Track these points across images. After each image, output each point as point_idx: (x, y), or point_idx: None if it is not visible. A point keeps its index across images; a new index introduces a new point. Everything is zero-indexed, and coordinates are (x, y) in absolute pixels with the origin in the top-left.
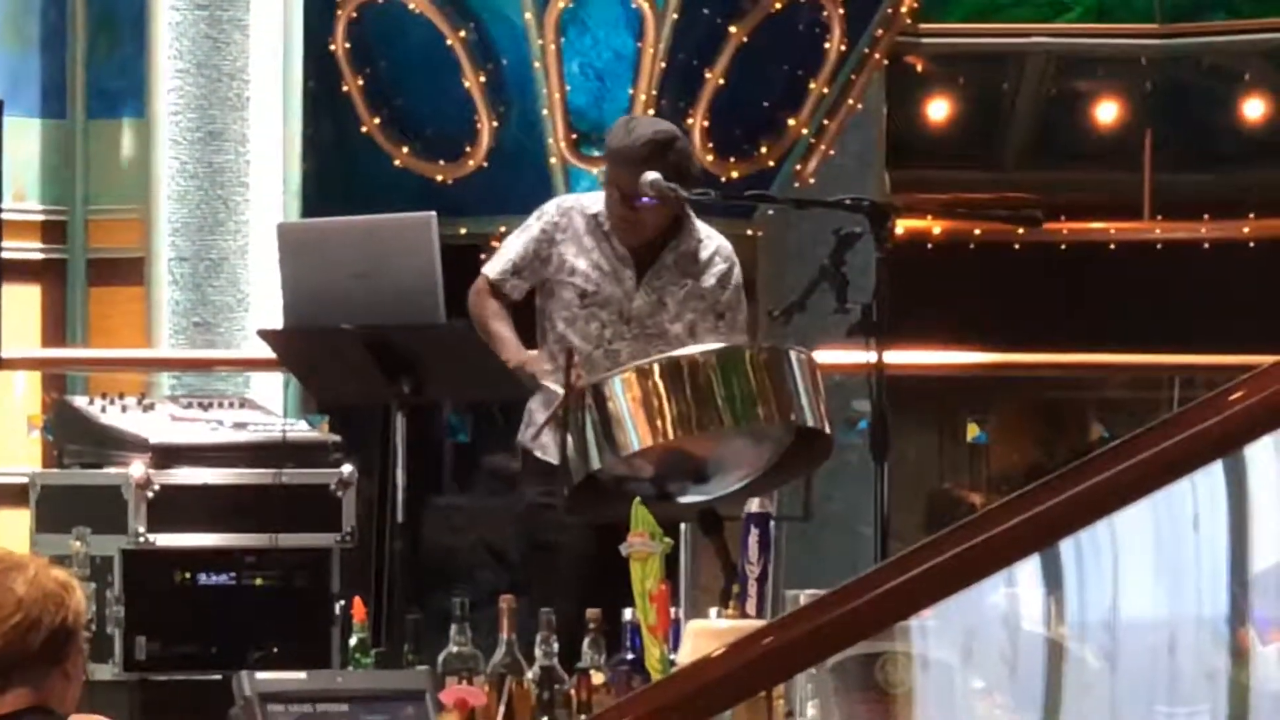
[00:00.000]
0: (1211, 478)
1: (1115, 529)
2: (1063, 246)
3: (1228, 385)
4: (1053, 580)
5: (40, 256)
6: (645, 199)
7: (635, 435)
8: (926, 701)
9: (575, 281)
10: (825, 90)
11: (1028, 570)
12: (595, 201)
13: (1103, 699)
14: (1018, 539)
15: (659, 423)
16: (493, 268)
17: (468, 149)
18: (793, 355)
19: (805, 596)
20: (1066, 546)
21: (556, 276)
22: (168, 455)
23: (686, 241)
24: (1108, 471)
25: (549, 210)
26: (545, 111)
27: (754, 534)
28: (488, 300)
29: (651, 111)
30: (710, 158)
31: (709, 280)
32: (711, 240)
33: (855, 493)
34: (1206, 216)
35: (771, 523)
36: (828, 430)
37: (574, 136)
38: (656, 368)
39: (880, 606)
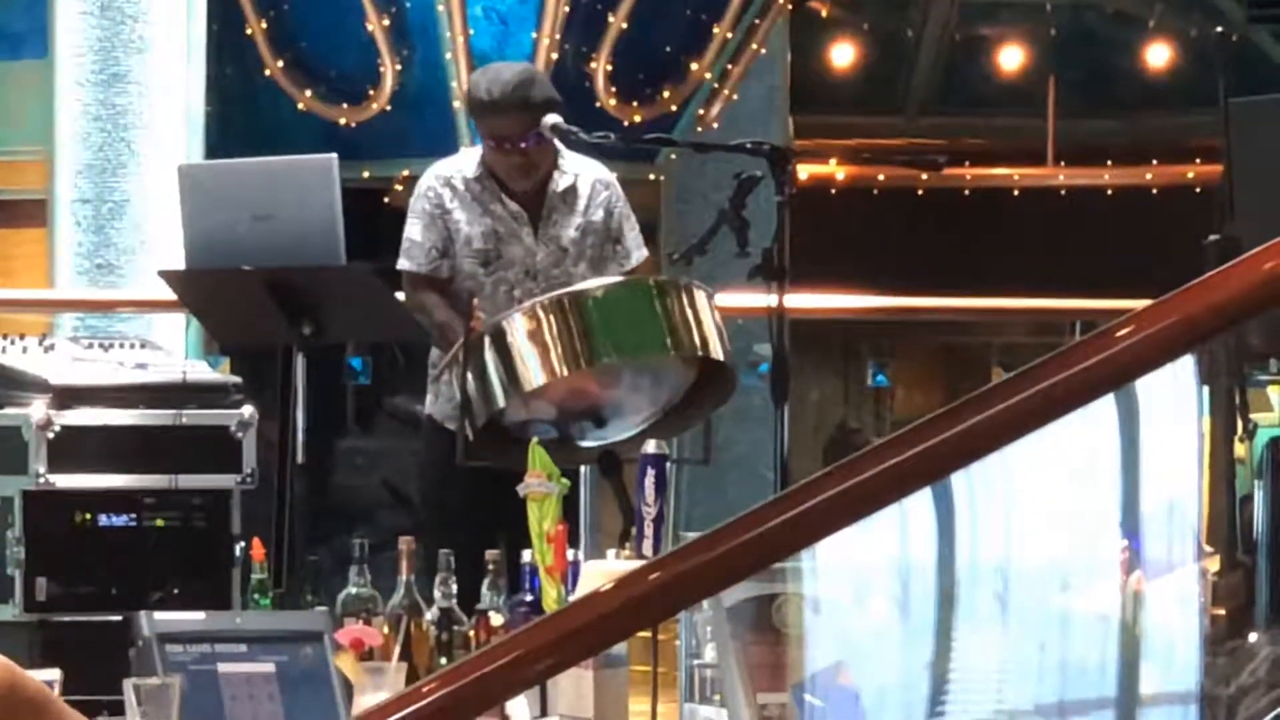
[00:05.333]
0: (1103, 419)
1: (1009, 470)
2: (966, 192)
3: (1117, 320)
4: (945, 522)
5: None
6: (528, 140)
7: (537, 370)
8: (819, 642)
9: (473, 251)
10: (728, 34)
11: (921, 512)
12: (468, 164)
13: (994, 640)
14: (911, 470)
15: (556, 357)
16: (413, 261)
17: (371, 92)
18: (695, 289)
19: None
20: (960, 487)
21: (454, 250)
22: (68, 396)
23: (563, 178)
24: (1000, 404)
25: (428, 184)
26: (448, 55)
27: (650, 475)
28: (424, 295)
29: (555, 55)
30: (613, 101)
31: (597, 214)
32: (586, 170)
33: (758, 436)
34: (1109, 162)
35: (668, 464)
36: (728, 361)
37: None
38: (555, 302)
39: (770, 541)
